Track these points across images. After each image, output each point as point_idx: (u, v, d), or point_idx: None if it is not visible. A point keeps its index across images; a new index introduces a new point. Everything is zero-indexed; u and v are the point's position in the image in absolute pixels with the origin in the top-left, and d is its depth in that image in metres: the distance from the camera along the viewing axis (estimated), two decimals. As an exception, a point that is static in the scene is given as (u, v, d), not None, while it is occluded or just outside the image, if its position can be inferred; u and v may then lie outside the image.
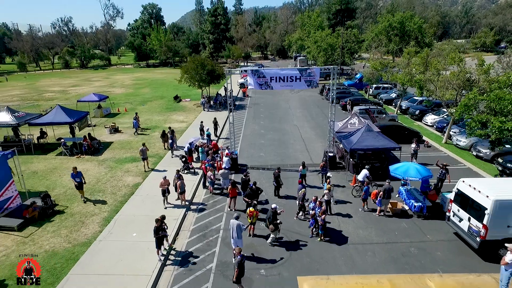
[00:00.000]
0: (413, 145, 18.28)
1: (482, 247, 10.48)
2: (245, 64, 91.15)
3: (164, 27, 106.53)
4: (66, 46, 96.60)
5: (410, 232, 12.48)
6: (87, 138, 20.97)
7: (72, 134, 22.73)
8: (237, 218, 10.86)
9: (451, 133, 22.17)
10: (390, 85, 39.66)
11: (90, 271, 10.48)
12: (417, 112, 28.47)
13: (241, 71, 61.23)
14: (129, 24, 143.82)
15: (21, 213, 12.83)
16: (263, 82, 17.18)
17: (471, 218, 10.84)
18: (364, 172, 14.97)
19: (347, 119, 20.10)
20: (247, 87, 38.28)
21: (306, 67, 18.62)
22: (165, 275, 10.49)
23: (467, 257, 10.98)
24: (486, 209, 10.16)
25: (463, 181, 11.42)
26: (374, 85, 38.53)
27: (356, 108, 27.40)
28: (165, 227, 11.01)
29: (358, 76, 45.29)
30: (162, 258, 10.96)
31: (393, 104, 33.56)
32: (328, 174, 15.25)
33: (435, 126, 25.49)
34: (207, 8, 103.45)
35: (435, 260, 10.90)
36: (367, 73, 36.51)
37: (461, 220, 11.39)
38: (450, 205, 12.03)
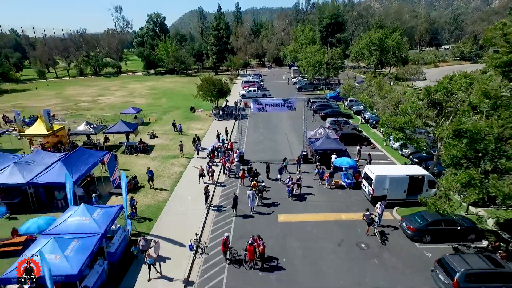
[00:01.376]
0: (358, 147, 28.27)
1: (372, 200, 20.44)
2: (245, 72, 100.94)
3: (167, 34, 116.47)
4: (82, 56, 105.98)
5: (342, 196, 22.40)
6: (141, 141, 30.80)
7: (127, 139, 32.53)
8: (251, 189, 20.68)
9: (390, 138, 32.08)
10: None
11: (170, 213, 20.34)
12: (374, 122, 38.46)
13: (242, 82, 71.34)
14: (135, 32, 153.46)
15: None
16: (260, 107, 27.09)
17: (368, 186, 20.81)
18: (334, 156, 25.02)
19: (316, 129, 30.05)
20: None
21: (288, 97, 28.08)
22: (210, 215, 20.35)
23: (367, 206, 20.87)
24: (373, 179, 20.11)
25: (366, 167, 21.41)
26: (349, 99, 48.43)
27: (328, 119, 37.37)
28: (209, 190, 20.90)
29: (338, 90, 55.21)
30: (207, 208, 20.83)
31: (361, 115, 43.45)
32: (317, 163, 25.16)
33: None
34: (211, 23, 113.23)
35: (351, 208, 20.80)
36: (342, 89, 46.45)
37: (365, 187, 21.36)
38: (362, 180, 21.99)
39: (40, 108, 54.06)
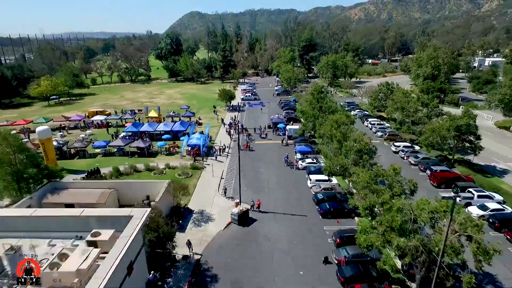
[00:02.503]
0: (291, 122, 66.87)
1: (288, 137, 59.07)
2: (243, 80, 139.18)
3: (181, 47, 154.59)
4: (123, 68, 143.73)
5: (279, 137, 60.96)
6: (197, 120, 69.28)
7: (190, 120, 70.75)
8: (245, 135, 59.20)
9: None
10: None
11: (218, 141, 58.91)
12: (308, 113, 76.99)
13: (242, 90, 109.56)
14: (155, 45, 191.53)
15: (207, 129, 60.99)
16: (250, 105, 65.98)
17: (287, 132, 59.54)
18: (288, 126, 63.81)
19: (275, 115, 68.52)
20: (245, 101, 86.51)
21: (263, 100, 66.43)
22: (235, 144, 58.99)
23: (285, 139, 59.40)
24: (287, 129, 58.87)
25: (287, 126, 60.17)
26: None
27: (284, 111, 75.87)
28: (231, 135, 59.51)
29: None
30: (231, 140, 59.32)
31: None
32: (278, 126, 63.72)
33: (310, 118, 74.00)
34: (218, 44, 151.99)
35: (280, 139, 59.30)
36: (297, 97, 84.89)
37: (286, 133, 60.09)
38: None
39: (122, 106, 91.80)
